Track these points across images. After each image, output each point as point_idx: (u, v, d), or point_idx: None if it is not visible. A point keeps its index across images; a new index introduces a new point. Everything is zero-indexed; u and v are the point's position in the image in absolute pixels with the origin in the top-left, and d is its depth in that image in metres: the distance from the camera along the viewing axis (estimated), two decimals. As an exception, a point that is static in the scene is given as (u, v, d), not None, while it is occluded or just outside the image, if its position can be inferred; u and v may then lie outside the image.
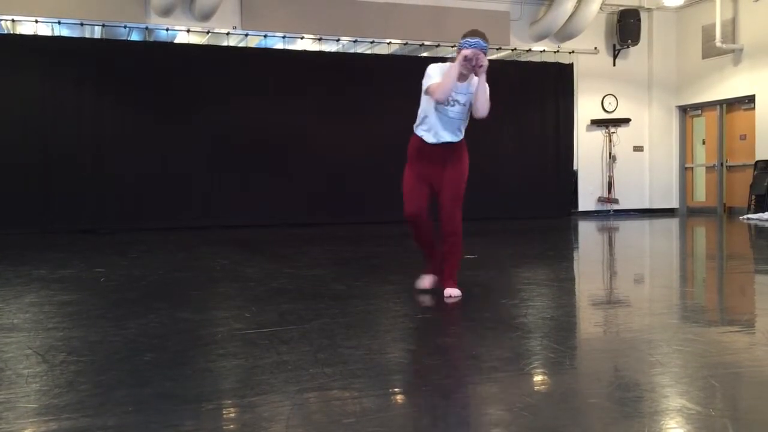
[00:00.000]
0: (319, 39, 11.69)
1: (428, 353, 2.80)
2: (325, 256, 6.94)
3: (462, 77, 4.00)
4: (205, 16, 10.86)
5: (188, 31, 10.96)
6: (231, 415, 2.16)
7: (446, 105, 4.04)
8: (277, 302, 4.04)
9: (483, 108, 4.04)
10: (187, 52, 11.09)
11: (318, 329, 3.28)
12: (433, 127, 4.10)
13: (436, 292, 4.44)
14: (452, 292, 4.07)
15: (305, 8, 11.44)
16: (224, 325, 3.47)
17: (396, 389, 2.40)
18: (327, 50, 12.02)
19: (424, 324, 3.41)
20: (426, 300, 4.17)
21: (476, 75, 3.98)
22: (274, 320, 3.51)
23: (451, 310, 3.74)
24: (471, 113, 4.12)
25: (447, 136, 4.11)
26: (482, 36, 4.00)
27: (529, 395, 2.32)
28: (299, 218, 11.02)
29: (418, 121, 4.21)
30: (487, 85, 4.03)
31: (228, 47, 11.30)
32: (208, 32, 11.06)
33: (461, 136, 4.19)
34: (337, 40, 11.86)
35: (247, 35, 11.28)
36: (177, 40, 11.29)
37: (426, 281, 4.36)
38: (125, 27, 10.75)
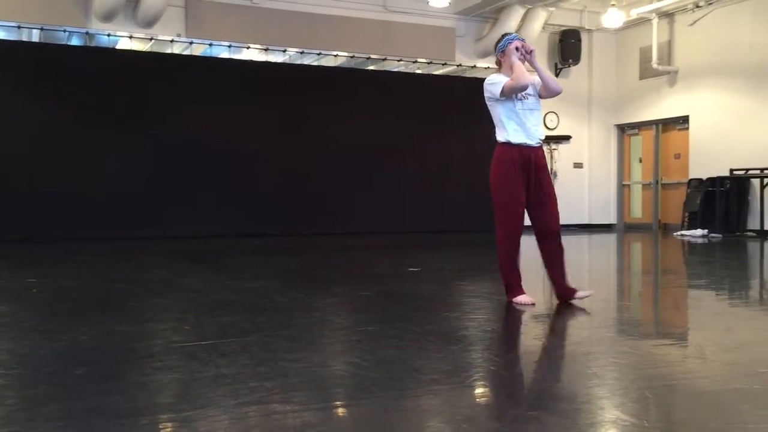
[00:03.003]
0: (266, 49, 11.61)
1: (370, 366, 2.78)
2: (269, 267, 6.87)
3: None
4: (149, 23, 10.68)
5: (131, 37, 10.74)
6: (167, 429, 2.11)
7: (524, 99, 4.18)
8: (217, 314, 3.96)
9: (554, 84, 4.25)
10: (129, 58, 10.86)
11: (259, 342, 3.24)
12: (522, 125, 4.16)
13: (381, 305, 4.43)
14: (583, 294, 4.16)
15: (252, 18, 11.37)
16: (161, 338, 3.39)
17: (337, 402, 2.38)
18: (274, 61, 11.95)
19: (366, 336, 3.40)
20: (369, 312, 4.16)
21: (530, 62, 4.22)
22: (214, 333, 3.45)
23: (393, 323, 3.73)
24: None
25: (537, 130, 4.20)
26: (510, 33, 4.38)
27: (470, 407, 2.33)
28: (247, 229, 10.89)
29: (501, 129, 4.23)
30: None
31: (172, 55, 11.12)
32: (151, 39, 10.87)
33: (543, 134, 4.28)
34: (284, 51, 11.82)
35: (191, 43, 11.12)
36: (119, 47, 11.05)
37: (527, 298, 4.24)
38: (65, 31, 10.47)
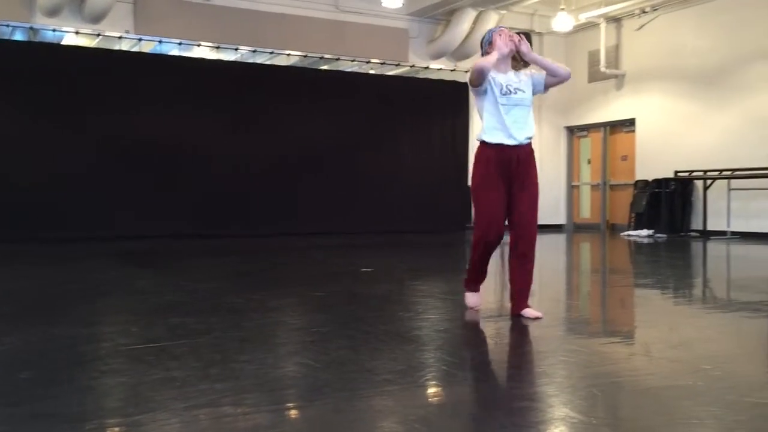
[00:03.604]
0: (217, 47, 11.48)
1: (322, 367, 2.77)
2: (221, 268, 6.79)
3: (507, 64, 3.94)
4: (96, 19, 10.44)
5: (77, 32, 10.50)
6: (114, 434, 2.06)
7: (510, 93, 3.87)
8: (167, 316, 3.90)
9: (560, 69, 3.95)
10: (75, 54, 10.60)
11: (210, 344, 3.20)
12: (502, 122, 3.83)
13: (335, 305, 4.42)
14: (535, 313, 3.82)
15: (202, 15, 11.22)
16: (109, 341, 3.32)
17: (289, 404, 2.36)
18: (225, 59, 11.82)
19: (319, 337, 3.38)
20: (322, 313, 4.14)
21: (523, 53, 3.92)
22: (164, 335, 3.39)
23: (347, 324, 3.73)
24: (550, 85, 4.01)
25: (523, 129, 3.85)
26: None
27: (422, 407, 2.34)
28: (198, 230, 10.74)
29: (483, 125, 3.92)
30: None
31: (120, 51, 10.90)
32: (98, 35, 10.63)
33: (532, 133, 3.93)
34: (236, 50, 11.70)
35: (140, 40, 10.92)
36: (65, 42, 10.78)
37: (476, 299, 4.12)
38: (8, 26, 10.16)
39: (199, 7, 11.21)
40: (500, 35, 3.93)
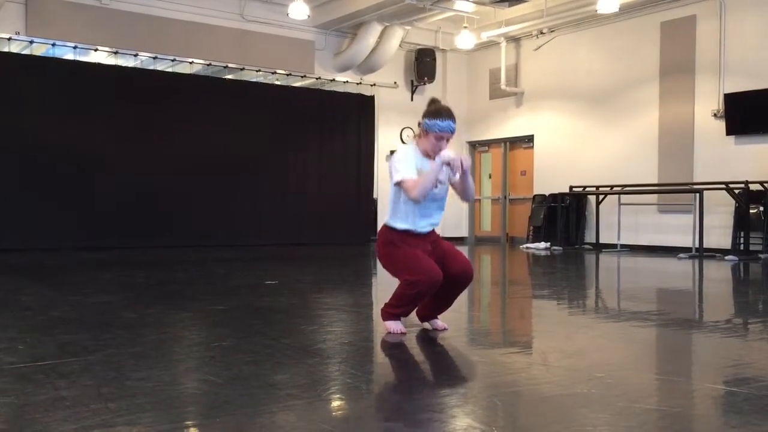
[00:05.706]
0: (116, 52, 11.09)
1: (223, 382, 2.70)
2: (116, 281, 6.51)
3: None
4: (-17, 18, 9.89)
5: (-39, 32, 9.90)
6: (-5, 460, 1.93)
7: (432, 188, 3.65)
8: (57, 332, 3.70)
9: (471, 193, 3.84)
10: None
11: (103, 361, 3.05)
12: (413, 214, 3.67)
13: (237, 319, 4.33)
14: (443, 325, 3.87)
15: (100, 18, 10.82)
16: (-8, 360, 3.11)
17: (188, 422, 2.28)
18: (124, 65, 11.43)
19: (220, 352, 3.30)
20: (224, 327, 4.04)
21: (462, 171, 3.65)
22: (53, 352, 3.21)
23: (249, 338, 3.65)
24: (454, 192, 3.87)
25: (434, 220, 3.74)
26: (450, 115, 3.64)
27: (326, 421, 2.32)
28: (90, 242, 10.28)
29: (391, 211, 3.72)
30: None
31: (9, 54, 10.33)
32: (-15, 35, 10.06)
33: (442, 214, 3.82)
34: (136, 56, 11.34)
35: (32, 42, 10.41)
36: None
37: (400, 325, 3.78)
38: None
39: (96, 10, 10.80)
40: (446, 161, 3.57)
